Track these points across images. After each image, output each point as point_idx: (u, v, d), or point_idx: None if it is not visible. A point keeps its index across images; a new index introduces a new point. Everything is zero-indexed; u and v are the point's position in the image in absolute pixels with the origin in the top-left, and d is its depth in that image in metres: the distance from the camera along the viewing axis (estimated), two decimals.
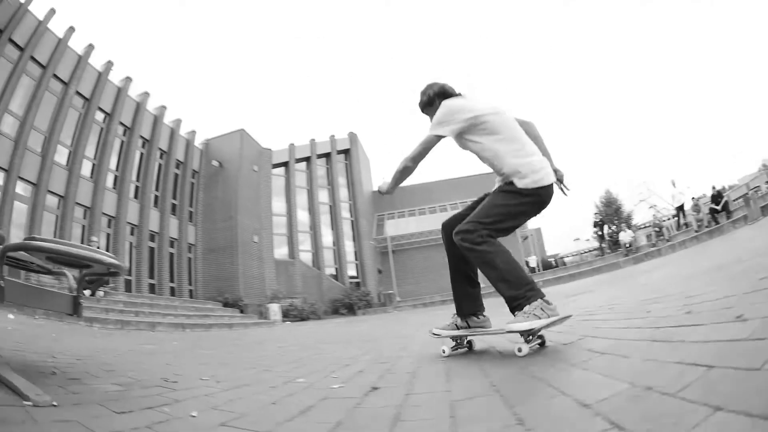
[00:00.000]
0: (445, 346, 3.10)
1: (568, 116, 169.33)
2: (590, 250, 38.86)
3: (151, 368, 3.35)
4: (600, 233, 25.24)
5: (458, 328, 3.17)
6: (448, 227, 3.32)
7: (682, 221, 19.08)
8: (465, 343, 3.22)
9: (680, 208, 19.15)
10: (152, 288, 19.02)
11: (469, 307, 3.22)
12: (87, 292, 9.95)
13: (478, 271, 3.10)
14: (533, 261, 27.80)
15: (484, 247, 2.80)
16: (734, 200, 20.42)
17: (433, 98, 3.09)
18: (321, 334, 8.85)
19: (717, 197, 16.04)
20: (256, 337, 8.70)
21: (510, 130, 2.90)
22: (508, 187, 2.86)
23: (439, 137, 2.94)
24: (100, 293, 12.23)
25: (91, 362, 3.29)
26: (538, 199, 2.84)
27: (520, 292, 2.67)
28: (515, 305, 2.67)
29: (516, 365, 2.19)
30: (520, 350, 2.41)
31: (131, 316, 10.42)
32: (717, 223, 15.46)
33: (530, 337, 2.54)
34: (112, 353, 4.25)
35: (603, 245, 24.67)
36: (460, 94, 3.07)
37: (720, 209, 15.72)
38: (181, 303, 14.55)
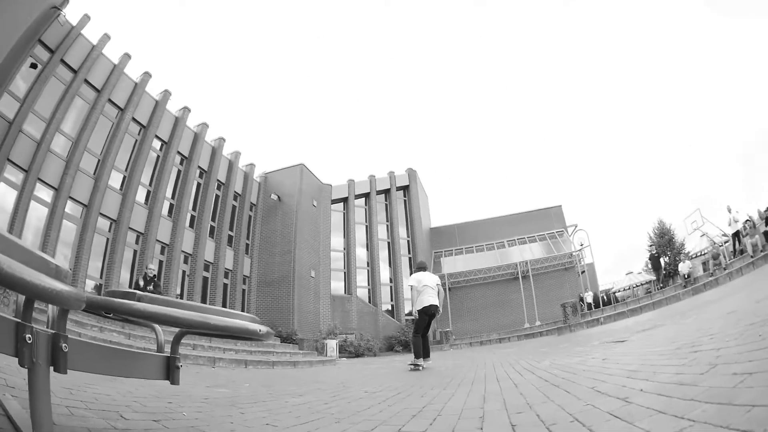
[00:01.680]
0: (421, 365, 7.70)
1: (613, 140, 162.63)
2: (642, 284, 35.99)
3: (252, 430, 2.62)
4: (657, 267, 22.99)
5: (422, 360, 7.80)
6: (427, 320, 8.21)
7: (738, 247, 17.83)
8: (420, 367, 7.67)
9: (736, 235, 17.94)
10: None
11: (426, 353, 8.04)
12: None
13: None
14: (589, 297, 25.67)
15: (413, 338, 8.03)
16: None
17: (417, 268, 8.67)
18: (390, 372, 7.92)
19: None
20: (328, 376, 7.96)
21: (423, 289, 7.94)
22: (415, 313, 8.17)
23: (411, 286, 8.26)
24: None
25: (175, 427, 2.45)
26: (423, 312, 7.90)
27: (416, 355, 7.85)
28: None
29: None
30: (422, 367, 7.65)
31: (189, 349, 9.39)
32: None
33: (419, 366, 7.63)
34: (188, 403, 3.59)
35: (661, 277, 22.47)
36: (423, 268, 8.55)
37: None
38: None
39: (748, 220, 17.10)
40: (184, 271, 17.75)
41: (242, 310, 19.46)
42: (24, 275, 0.88)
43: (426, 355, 8.05)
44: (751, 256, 15.09)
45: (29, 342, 1.30)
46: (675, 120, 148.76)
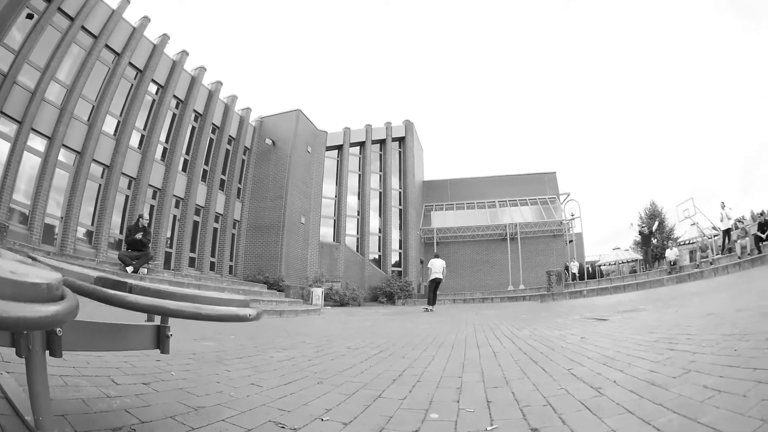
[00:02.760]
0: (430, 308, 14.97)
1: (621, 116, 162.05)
2: (628, 261, 36.92)
3: (250, 396, 2.58)
4: (646, 243, 23.42)
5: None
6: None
7: (727, 245, 18.34)
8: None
9: (727, 232, 18.51)
10: (192, 261, 18.56)
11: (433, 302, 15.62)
12: (129, 269, 9.00)
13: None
14: (575, 267, 26.25)
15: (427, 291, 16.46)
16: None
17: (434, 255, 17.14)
18: (373, 325, 8.86)
19: (764, 226, 15.39)
20: (312, 328, 8.33)
21: (431, 267, 16.19)
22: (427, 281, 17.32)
23: (428, 267, 16.72)
24: (143, 271, 11.64)
25: (164, 390, 2.53)
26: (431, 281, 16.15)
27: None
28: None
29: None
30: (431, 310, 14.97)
31: None
32: (760, 252, 15.00)
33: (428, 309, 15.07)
34: (176, 360, 3.53)
35: (648, 256, 22.97)
36: (437, 256, 16.96)
37: (765, 238, 15.09)
38: (229, 283, 13.84)
39: (740, 220, 17.40)
40: (174, 216, 17.96)
41: (231, 255, 19.95)
42: (10, 314, 0.85)
43: (433, 303, 15.70)
44: (739, 257, 15.53)
45: (24, 332, 1.34)
46: (688, 110, 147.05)
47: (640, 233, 28.10)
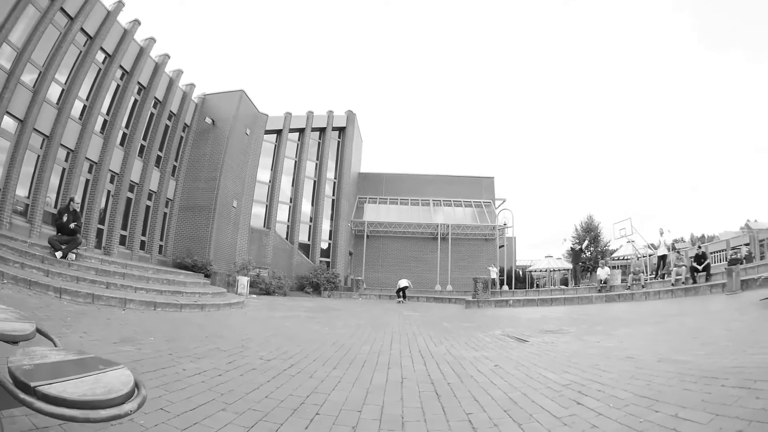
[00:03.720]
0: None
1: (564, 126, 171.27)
2: (559, 270, 39.33)
3: (158, 426, 2.82)
4: (575, 263, 24.28)
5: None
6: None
7: (661, 270, 19.06)
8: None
9: (663, 258, 19.35)
10: (123, 240, 18.35)
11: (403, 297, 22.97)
12: (58, 254, 9.28)
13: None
14: (494, 272, 26.72)
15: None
16: (711, 252, 20.72)
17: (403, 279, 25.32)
18: (294, 326, 9.05)
19: (701, 258, 15.92)
20: (232, 327, 8.42)
21: (401, 282, 24.44)
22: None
23: (400, 282, 24.65)
24: (71, 256, 11.55)
25: None
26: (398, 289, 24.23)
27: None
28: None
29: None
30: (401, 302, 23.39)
31: (102, 288, 9.73)
32: (695, 282, 15.42)
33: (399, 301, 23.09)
34: None
35: (577, 275, 24.18)
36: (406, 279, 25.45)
37: (701, 270, 15.54)
38: (154, 272, 13.72)
39: (677, 241, 18.56)
40: (109, 191, 17.67)
41: (162, 235, 19.88)
42: None
43: (403, 297, 23.92)
44: (672, 284, 16.01)
45: None
46: (637, 130, 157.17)
47: (572, 249, 29.54)
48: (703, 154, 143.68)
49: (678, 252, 18.63)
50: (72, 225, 11.86)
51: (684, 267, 16.53)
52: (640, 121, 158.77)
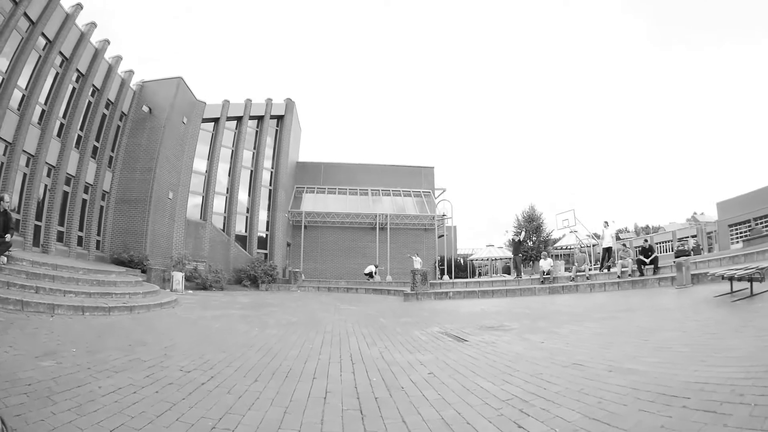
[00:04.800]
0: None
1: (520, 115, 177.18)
2: (501, 258, 40.92)
3: None
4: (515, 255, 24.96)
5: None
6: None
7: (606, 262, 19.32)
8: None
9: (608, 250, 19.70)
10: (60, 236, 17.93)
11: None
12: None
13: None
14: (417, 263, 26.83)
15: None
16: (656, 243, 21.96)
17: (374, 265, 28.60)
18: (227, 332, 8.43)
19: (648, 250, 16.37)
20: (159, 331, 8.17)
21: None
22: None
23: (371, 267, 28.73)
24: (2, 259, 11.11)
25: None
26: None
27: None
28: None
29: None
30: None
31: (32, 293, 9.40)
32: (642, 274, 15.87)
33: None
34: (11, 391, 3.88)
35: (518, 266, 25.07)
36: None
37: (648, 263, 16.03)
38: (84, 272, 13.21)
39: (624, 243, 19.18)
40: (46, 185, 17.23)
41: (99, 230, 19.60)
42: None
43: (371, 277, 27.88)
44: (618, 276, 16.29)
45: None
46: (585, 121, 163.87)
47: (513, 239, 30.30)
48: (647, 146, 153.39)
49: (624, 245, 19.49)
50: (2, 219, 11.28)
51: (630, 260, 16.96)
52: (584, 112, 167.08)
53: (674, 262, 14.86)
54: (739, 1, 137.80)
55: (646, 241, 18.24)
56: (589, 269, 18.87)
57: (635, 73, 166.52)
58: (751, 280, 9.00)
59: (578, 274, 18.10)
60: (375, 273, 28.52)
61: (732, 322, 6.82)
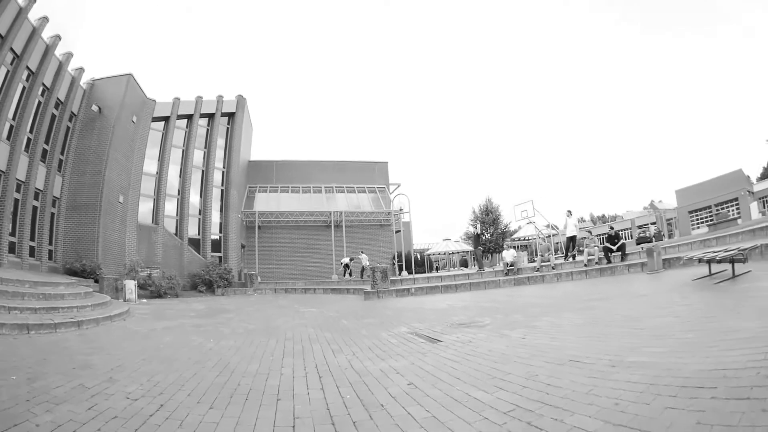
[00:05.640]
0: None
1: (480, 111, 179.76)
2: (458, 252, 41.65)
3: None
4: (476, 245, 25.50)
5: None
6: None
7: (570, 251, 19.69)
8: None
9: (572, 239, 19.93)
10: (12, 247, 17.06)
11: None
12: None
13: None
14: (365, 259, 27.97)
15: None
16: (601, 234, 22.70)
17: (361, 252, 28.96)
18: (179, 347, 7.74)
19: (614, 238, 16.72)
20: (107, 350, 7.40)
21: (362, 258, 28.32)
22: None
23: (360, 259, 28.88)
24: None
25: None
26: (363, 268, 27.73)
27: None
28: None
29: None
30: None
31: None
32: (609, 261, 16.14)
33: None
34: None
35: (478, 258, 25.49)
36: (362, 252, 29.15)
37: (615, 250, 16.32)
38: (31, 286, 12.27)
39: (589, 231, 19.80)
40: None
41: (50, 239, 18.89)
42: None
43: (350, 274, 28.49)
44: (585, 265, 16.64)
45: None
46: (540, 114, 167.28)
47: (473, 233, 30.86)
48: (599, 136, 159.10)
49: (589, 232, 20.07)
50: None
51: (596, 248, 17.39)
52: (537, 103, 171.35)
53: (642, 248, 15.48)
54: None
55: (612, 228, 18.66)
56: (554, 258, 19.17)
57: (589, 59, 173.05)
58: (733, 261, 9.18)
59: (543, 264, 18.34)
60: (349, 265, 29.03)
61: (725, 303, 6.67)
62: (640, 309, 7.39)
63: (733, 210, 36.00)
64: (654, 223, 44.31)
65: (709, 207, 39.76)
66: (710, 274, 9.68)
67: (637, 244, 17.31)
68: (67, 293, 13.35)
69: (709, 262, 9.78)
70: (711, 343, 4.34)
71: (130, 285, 18.71)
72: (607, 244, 16.81)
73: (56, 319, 9.80)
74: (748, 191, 37.00)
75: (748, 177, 40.45)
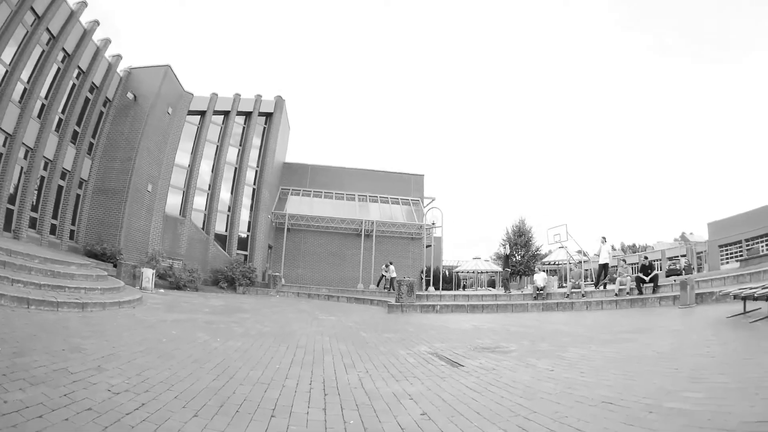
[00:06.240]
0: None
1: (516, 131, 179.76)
2: (487, 272, 41.23)
3: None
4: (506, 265, 24.87)
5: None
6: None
7: (602, 279, 19.30)
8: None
9: (604, 266, 19.56)
10: (33, 222, 17.72)
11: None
12: None
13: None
14: (393, 271, 27.48)
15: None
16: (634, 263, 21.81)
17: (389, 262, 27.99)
18: (183, 343, 7.36)
19: (648, 268, 16.26)
20: (106, 336, 7.09)
21: (389, 270, 27.20)
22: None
23: (387, 270, 27.99)
24: None
25: None
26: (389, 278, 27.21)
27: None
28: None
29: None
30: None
31: None
32: (640, 292, 15.79)
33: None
34: None
35: (507, 280, 24.88)
36: (391, 263, 27.90)
37: (648, 281, 15.94)
38: (41, 261, 12.36)
39: (623, 260, 19.22)
40: (21, 168, 17.02)
41: (74, 219, 19.42)
42: None
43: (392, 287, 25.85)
44: (616, 294, 16.31)
45: None
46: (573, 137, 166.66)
47: (504, 253, 29.95)
48: (635, 165, 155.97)
49: (623, 261, 19.35)
50: None
51: (629, 277, 16.96)
52: (576, 127, 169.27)
53: (675, 280, 14.84)
54: (740, 21, 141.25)
55: (645, 258, 18.10)
56: (585, 285, 18.68)
57: (629, 87, 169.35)
58: None
59: (574, 290, 17.92)
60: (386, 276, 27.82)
61: (762, 345, 6.45)
62: (672, 347, 7.08)
63: (763, 246, 34.45)
64: (684, 256, 42.77)
65: (739, 242, 38.17)
66: (744, 312, 9.32)
67: (667, 276, 16.53)
68: (78, 274, 13.37)
69: (744, 299, 9.33)
70: (754, 390, 4.03)
71: (148, 273, 18.91)
72: (640, 274, 16.31)
73: (60, 297, 9.74)
74: None
75: None
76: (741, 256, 31.72)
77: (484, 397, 4.66)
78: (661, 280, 17.18)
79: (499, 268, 33.93)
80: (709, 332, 7.98)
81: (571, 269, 19.84)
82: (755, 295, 8.79)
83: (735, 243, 39.18)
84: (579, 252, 28.20)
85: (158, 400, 4.06)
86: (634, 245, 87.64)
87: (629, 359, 6.30)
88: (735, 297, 9.67)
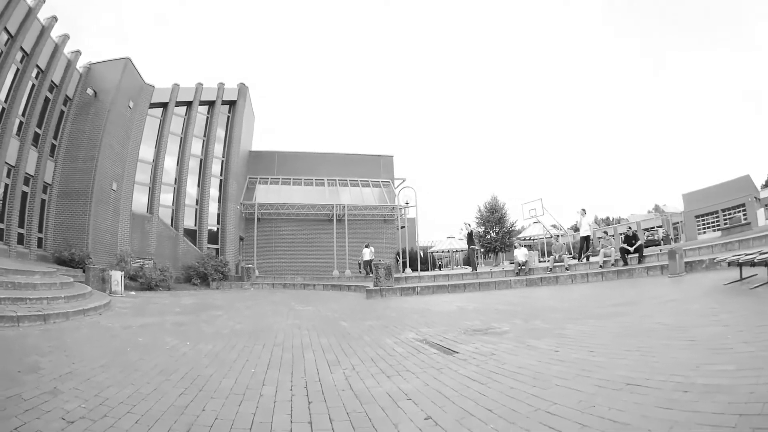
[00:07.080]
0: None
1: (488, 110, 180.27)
2: (462, 250, 41.82)
3: None
4: (470, 243, 24.72)
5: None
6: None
7: (585, 252, 19.24)
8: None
9: (586, 239, 19.53)
10: (1, 234, 17.18)
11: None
12: None
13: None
14: (368, 253, 27.05)
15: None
16: (620, 234, 22.23)
17: (365, 245, 27.98)
18: (150, 349, 6.85)
19: (632, 238, 16.44)
20: (62, 355, 6.20)
21: (364, 253, 27.42)
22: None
23: (364, 254, 28.19)
24: None
25: None
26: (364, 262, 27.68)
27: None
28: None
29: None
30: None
31: None
32: (626, 263, 15.91)
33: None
34: None
35: (473, 258, 24.95)
36: (368, 245, 27.92)
37: (633, 251, 16.07)
38: (1, 273, 11.95)
39: (605, 231, 19.59)
40: None
41: (40, 226, 18.90)
42: None
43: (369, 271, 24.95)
44: (600, 266, 16.28)
45: None
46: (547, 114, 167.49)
47: (468, 234, 30.21)
48: (604, 138, 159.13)
49: (605, 233, 19.65)
50: None
51: (612, 248, 17.00)
52: (544, 103, 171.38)
53: (660, 250, 15.21)
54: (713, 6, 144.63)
55: (629, 228, 18.35)
56: (568, 259, 18.69)
57: (597, 62, 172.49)
58: None
59: (556, 264, 18.02)
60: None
61: None
62: (674, 317, 6.75)
63: (740, 216, 36.20)
64: (660, 227, 44.40)
65: (716, 212, 40.19)
66: (741, 279, 9.29)
67: (645, 247, 16.91)
68: (41, 283, 12.69)
69: (741, 265, 9.27)
70: None
71: (116, 276, 18.32)
72: (624, 245, 16.46)
73: (20, 311, 9.16)
74: (755, 197, 37.11)
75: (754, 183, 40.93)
76: (718, 226, 33.04)
77: (492, 390, 4.09)
78: (646, 251, 17.39)
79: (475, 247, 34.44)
80: (711, 301, 7.78)
81: (552, 243, 20.05)
82: (755, 260, 8.66)
83: (712, 213, 40.96)
84: (554, 226, 28.80)
85: (116, 427, 3.46)
86: (608, 218, 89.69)
87: (637, 333, 5.88)
88: (730, 264, 9.71)
